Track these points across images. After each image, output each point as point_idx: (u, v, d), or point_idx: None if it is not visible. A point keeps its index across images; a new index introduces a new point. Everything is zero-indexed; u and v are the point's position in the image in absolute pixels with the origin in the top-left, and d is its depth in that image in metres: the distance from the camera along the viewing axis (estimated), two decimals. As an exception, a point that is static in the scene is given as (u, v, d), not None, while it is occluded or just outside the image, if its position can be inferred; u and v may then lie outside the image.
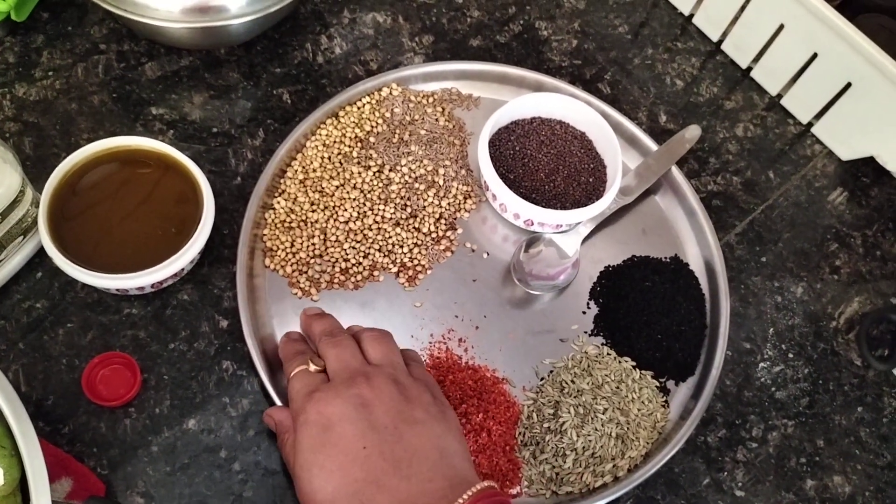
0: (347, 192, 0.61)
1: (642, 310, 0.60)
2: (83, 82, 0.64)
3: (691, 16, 0.75)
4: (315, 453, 0.46)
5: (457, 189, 0.63)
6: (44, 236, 0.52)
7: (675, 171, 0.65)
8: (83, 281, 0.52)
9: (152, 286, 0.55)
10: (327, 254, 0.60)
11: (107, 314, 0.56)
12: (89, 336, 0.55)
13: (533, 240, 0.61)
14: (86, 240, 0.54)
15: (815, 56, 0.67)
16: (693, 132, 0.66)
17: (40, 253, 0.56)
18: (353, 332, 0.53)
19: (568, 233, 0.62)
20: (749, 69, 0.74)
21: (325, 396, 0.48)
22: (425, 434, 0.47)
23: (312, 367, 0.50)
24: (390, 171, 0.63)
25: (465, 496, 0.44)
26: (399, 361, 0.51)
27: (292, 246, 0.60)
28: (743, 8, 0.70)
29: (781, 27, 0.68)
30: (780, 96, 0.73)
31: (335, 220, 0.60)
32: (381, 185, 0.62)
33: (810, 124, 0.72)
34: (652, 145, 0.66)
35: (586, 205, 0.62)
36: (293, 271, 0.59)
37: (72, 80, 0.64)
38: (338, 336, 0.52)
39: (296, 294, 0.58)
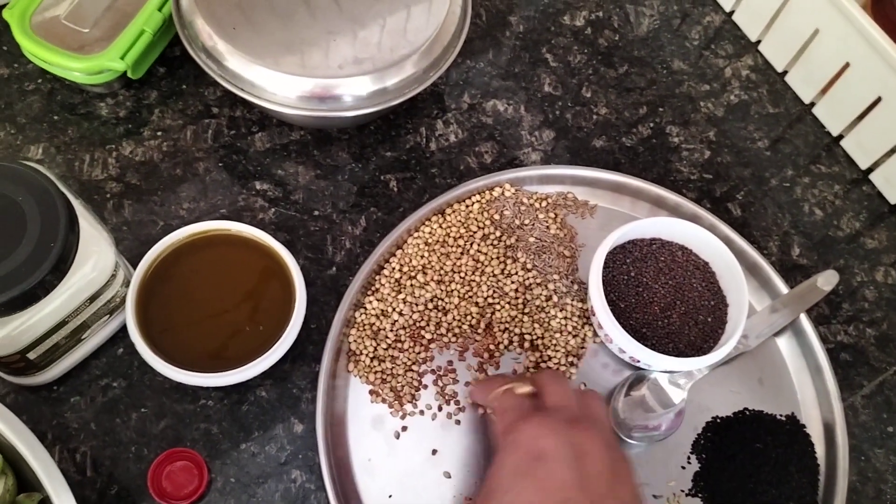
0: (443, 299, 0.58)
1: (750, 476, 0.54)
2: (191, 146, 0.62)
3: (840, 137, 0.69)
4: (517, 477, 0.44)
5: (572, 306, 0.58)
6: (132, 329, 0.50)
7: (803, 315, 0.59)
8: (167, 375, 0.50)
9: (231, 381, 0.52)
10: (416, 367, 0.56)
11: (182, 403, 0.54)
12: (162, 425, 0.53)
13: (636, 381, 0.56)
14: (171, 327, 0.52)
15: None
16: (830, 279, 0.60)
17: (123, 328, 0.54)
18: None
19: (676, 375, 0.57)
20: (897, 206, 0.67)
21: (543, 424, 0.45)
22: None
23: (523, 389, 0.49)
24: (493, 282, 0.59)
25: None
26: (610, 430, 0.50)
27: (375, 350, 0.56)
28: (906, 141, 0.63)
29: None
30: (930, 242, 0.65)
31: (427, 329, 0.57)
32: (481, 297, 0.58)
33: (962, 278, 0.65)
34: (776, 279, 0.60)
35: (701, 348, 0.56)
36: (376, 380, 0.55)
37: (179, 144, 0.62)
38: (559, 376, 0.52)
39: (375, 403, 0.55)
